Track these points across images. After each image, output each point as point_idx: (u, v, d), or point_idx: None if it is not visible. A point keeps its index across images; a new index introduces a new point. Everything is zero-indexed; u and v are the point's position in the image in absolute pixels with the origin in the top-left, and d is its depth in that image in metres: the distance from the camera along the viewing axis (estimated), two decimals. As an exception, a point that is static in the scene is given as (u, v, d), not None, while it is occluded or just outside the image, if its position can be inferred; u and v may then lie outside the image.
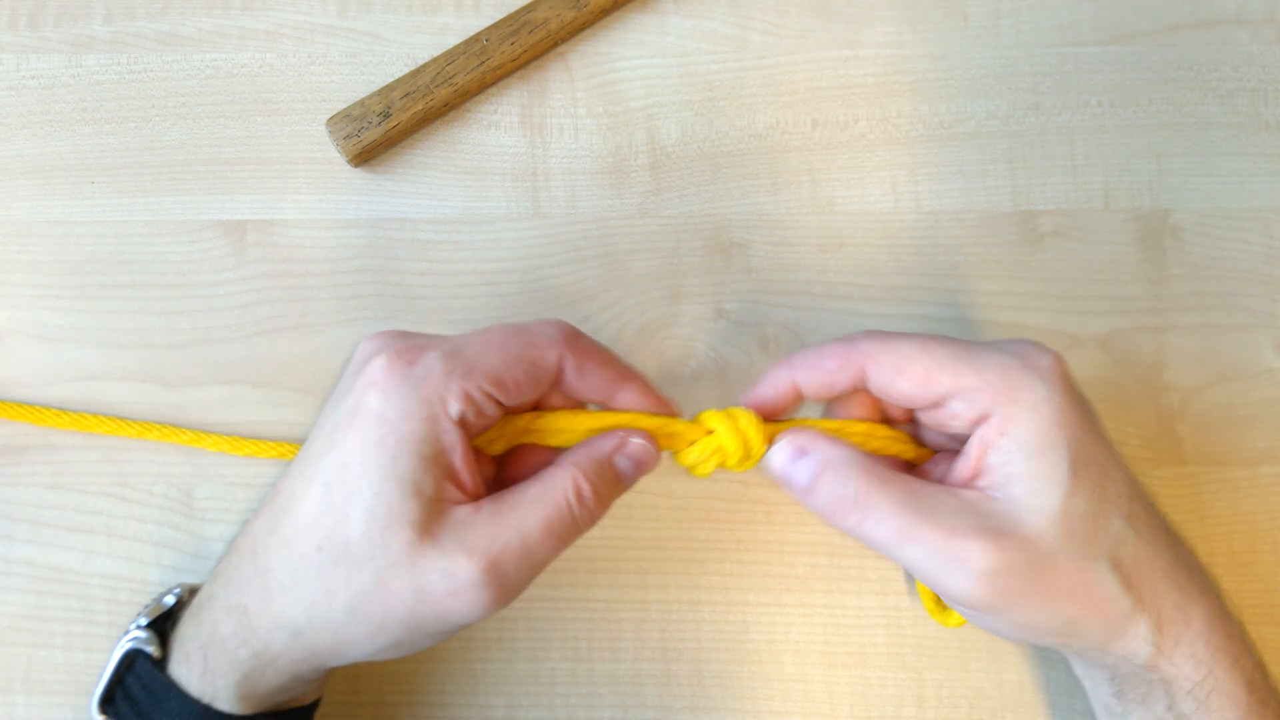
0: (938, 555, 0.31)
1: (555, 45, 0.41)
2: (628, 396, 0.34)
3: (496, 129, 0.43)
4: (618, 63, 0.43)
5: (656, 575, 0.41)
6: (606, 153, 0.43)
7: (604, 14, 0.42)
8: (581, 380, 0.33)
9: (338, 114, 0.40)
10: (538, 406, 0.35)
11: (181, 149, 0.43)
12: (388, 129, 0.40)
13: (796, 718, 0.41)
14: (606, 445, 0.33)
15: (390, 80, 0.42)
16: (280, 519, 0.32)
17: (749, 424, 0.34)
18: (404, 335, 0.33)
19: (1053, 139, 0.43)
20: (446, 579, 0.30)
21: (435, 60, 0.40)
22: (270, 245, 0.42)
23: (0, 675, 0.40)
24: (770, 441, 0.34)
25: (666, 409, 0.35)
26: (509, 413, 0.33)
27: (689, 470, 0.35)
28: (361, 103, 0.40)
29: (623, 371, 0.34)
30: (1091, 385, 0.41)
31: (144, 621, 0.35)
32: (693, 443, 0.34)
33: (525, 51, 0.41)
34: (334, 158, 0.43)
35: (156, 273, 0.42)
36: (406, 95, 0.40)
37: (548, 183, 0.43)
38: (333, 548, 0.31)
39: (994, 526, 0.31)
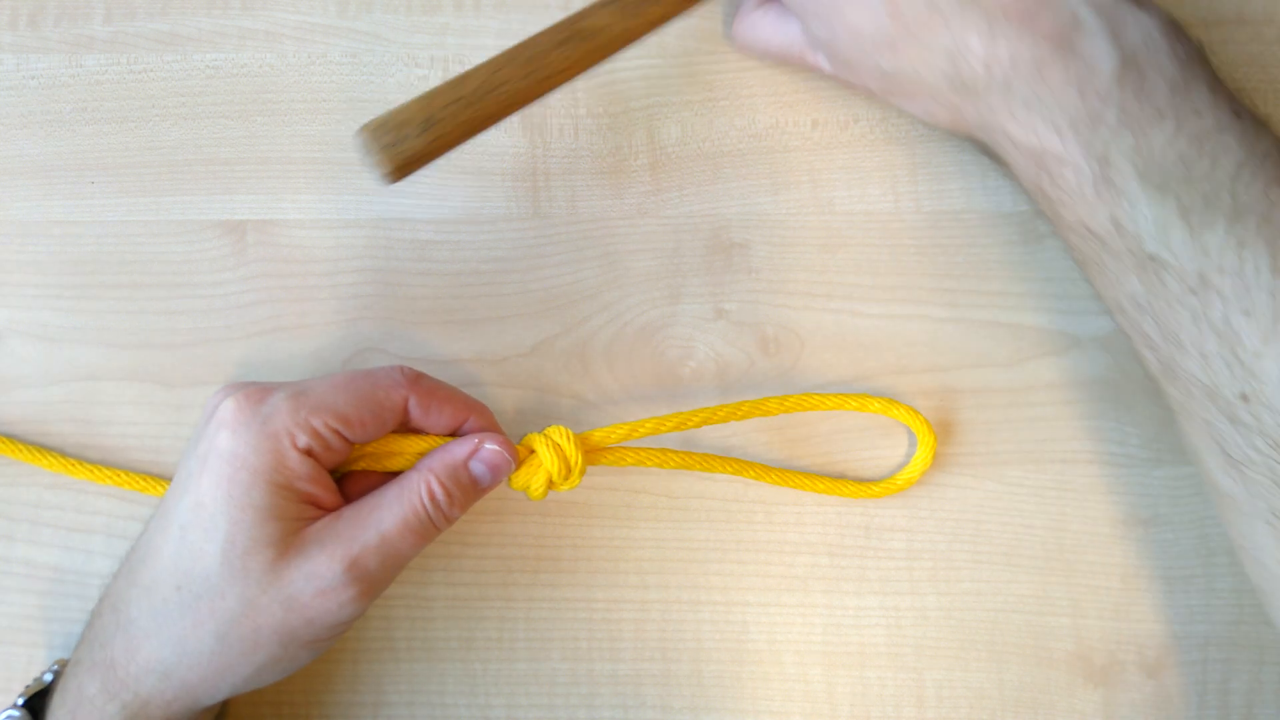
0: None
1: (607, 56, 0.38)
2: (471, 427, 0.37)
3: (496, 129, 0.43)
4: (618, 63, 0.43)
5: (656, 575, 0.41)
6: (606, 153, 0.43)
7: (660, 23, 0.38)
8: (427, 418, 0.36)
9: (374, 122, 0.34)
10: None
11: (181, 149, 0.43)
12: (430, 140, 0.35)
13: (796, 718, 0.41)
14: (461, 451, 0.36)
15: (391, 78, 0.42)
16: (138, 569, 0.34)
17: (565, 441, 0.37)
18: (253, 383, 0.35)
19: (1053, 139, 0.43)
20: (312, 581, 0.33)
21: (480, 68, 0.36)
22: (270, 245, 0.42)
23: (0, 675, 0.40)
24: (593, 455, 0.38)
25: (497, 429, 0.37)
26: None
27: (526, 494, 0.37)
28: (400, 110, 0.35)
29: (466, 404, 0.37)
30: (1091, 385, 0.42)
31: (20, 701, 0.36)
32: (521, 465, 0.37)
33: (576, 62, 0.37)
34: (334, 158, 0.43)
35: (156, 273, 0.42)
36: (451, 104, 0.35)
37: (548, 183, 0.43)
38: (193, 584, 0.32)
39: None
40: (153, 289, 0.42)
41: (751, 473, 0.40)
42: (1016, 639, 0.41)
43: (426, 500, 0.34)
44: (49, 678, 0.36)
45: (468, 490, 0.35)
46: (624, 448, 0.39)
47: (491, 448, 0.36)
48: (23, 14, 0.43)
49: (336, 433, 0.34)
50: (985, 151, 0.38)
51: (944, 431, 0.42)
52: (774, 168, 0.43)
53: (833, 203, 0.43)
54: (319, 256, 0.42)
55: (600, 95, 0.43)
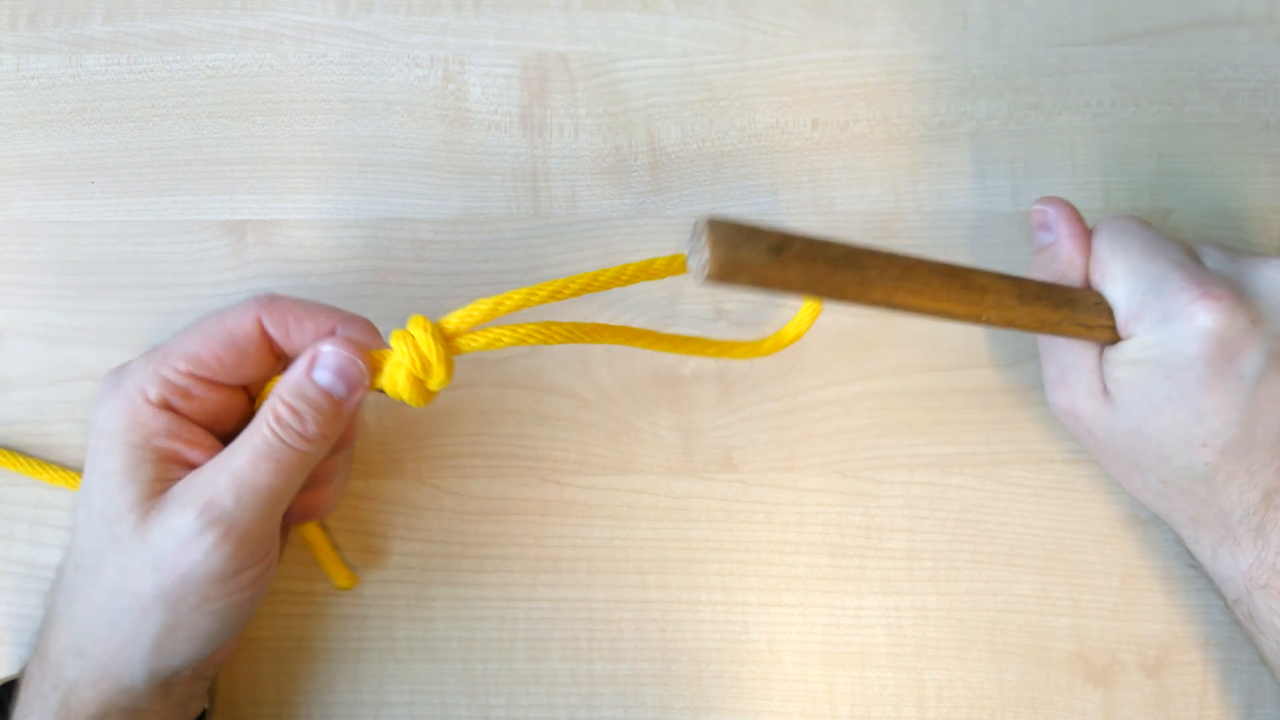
0: None
1: (975, 318, 0.34)
2: (343, 334, 0.34)
3: (496, 129, 0.43)
4: (618, 63, 0.43)
5: (656, 575, 0.41)
6: (606, 153, 0.43)
7: (1036, 328, 0.36)
8: (290, 339, 0.34)
9: (723, 219, 0.30)
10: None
11: (181, 149, 0.43)
12: (769, 263, 0.30)
13: (796, 718, 0.41)
14: (301, 363, 0.33)
15: (391, 78, 0.42)
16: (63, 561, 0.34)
17: (420, 331, 0.34)
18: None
19: (1053, 139, 0.43)
20: (172, 536, 0.31)
21: (852, 244, 0.32)
22: (270, 245, 0.42)
23: (0, 675, 0.40)
24: (460, 341, 0.34)
25: (377, 339, 0.34)
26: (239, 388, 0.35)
27: (403, 399, 0.34)
28: (754, 223, 0.31)
29: (331, 315, 0.34)
30: (1091, 385, 0.42)
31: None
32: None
33: (945, 300, 0.34)
34: (334, 158, 0.43)
35: (156, 273, 0.42)
36: (808, 250, 0.31)
37: (548, 183, 0.43)
38: (84, 559, 0.33)
39: None
40: (153, 289, 0.42)
41: (642, 341, 0.38)
42: (1016, 639, 0.41)
43: (272, 423, 0.32)
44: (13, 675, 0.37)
45: (319, 404, 0.32)
46: (500, 327, 0.35)
47: (328, 349, 0.33)
48: (23, 14, 0.43)
49: (193, 376, 0.33)
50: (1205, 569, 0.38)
51: (944, 431, 0.42)
52: (774, 168, 0.43)
53: (833, 203, 0.43)
54: (319, 256, 0.42)
55: (600, 95, 0.43)
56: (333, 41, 0.43)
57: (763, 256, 0.30)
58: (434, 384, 0.34)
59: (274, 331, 0.34)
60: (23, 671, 0.36)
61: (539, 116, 0.43)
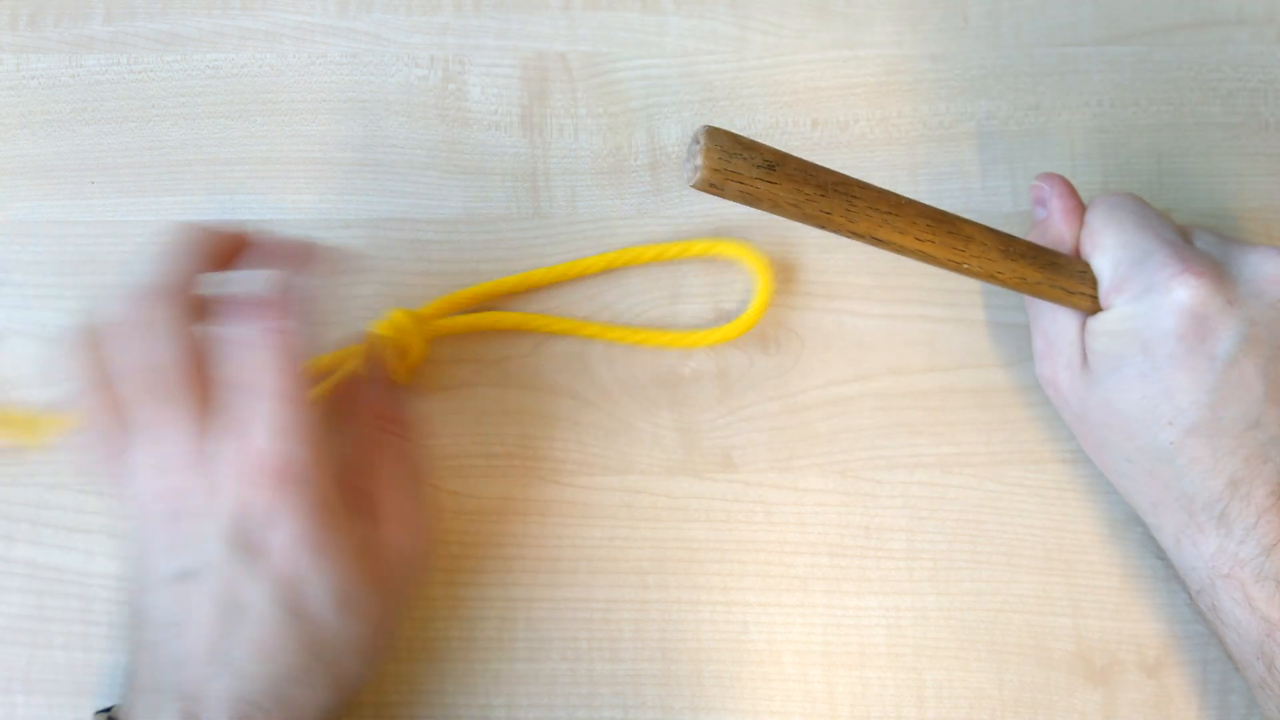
0: None
1: (954, 265, 0.35)
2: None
3: (496, 129, 0.43)
4: (618, 63, 0.43)
5: (656, 575, 0.41)
6: (606, 153, 0.43)
7: (1022, 285, 0.36)
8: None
9: (722, 130, 0.31)
10: None
11: (181, 149, 0.43)
12: (761, 177, 0.32)
13: (796, 718, 0.41)
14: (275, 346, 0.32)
15: (391, 78, 0.42)
16: None
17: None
18: None
19: (1053, 139, 0.43)
20: (358, 539, 0.34)
21: (845, 175, 0.33)
22: (270, 245, 0.42)
23: (0, 675, 0.40)
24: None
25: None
26: None
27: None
28: (751, 140, 0.32)
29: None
30: (1091, 385, 0.42)
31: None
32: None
33: (927, 241, 0.34)
34: (334, 158, 0.43)
35: (156, 273, 0.42)
36: (800, 171, 0.32)
37: (548, 183, 0.43)
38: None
39: None
40: (153, 289, 0.42)
41: (588, 331, 0.41)
42: (1016, 639, 0.41)
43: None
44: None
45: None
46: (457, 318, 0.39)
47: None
48: (23, 14, 0.43)
49: None
50: (1171, 566, 0.38)
51: (944, 431, 0.42)
52: (774, 168, 0.43)
53: (833, 203, 0.43)
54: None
55: (600, 95, 0.43)
56: (333, 41, 0.43)
57: (755, 170, 0.32)
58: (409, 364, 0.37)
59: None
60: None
61: (539, 116, 0.43)
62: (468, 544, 0.41)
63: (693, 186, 0.31)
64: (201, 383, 0.32)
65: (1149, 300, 0.35)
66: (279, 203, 0.42)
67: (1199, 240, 0.37)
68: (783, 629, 0.41)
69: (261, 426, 0.31)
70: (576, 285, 0.42)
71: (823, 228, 0.33)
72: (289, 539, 0.32)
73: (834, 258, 0.42)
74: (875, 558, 0.41)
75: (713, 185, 0.31)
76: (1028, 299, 0.40)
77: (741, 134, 0.31)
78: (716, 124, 0.43)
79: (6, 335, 0.42)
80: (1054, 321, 0.39)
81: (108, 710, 0.36)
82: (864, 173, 0.42)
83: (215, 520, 0.32)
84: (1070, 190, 0.39)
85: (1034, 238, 0.39)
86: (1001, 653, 0.41)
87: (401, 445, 0.37)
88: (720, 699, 0.41)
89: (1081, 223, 0.39)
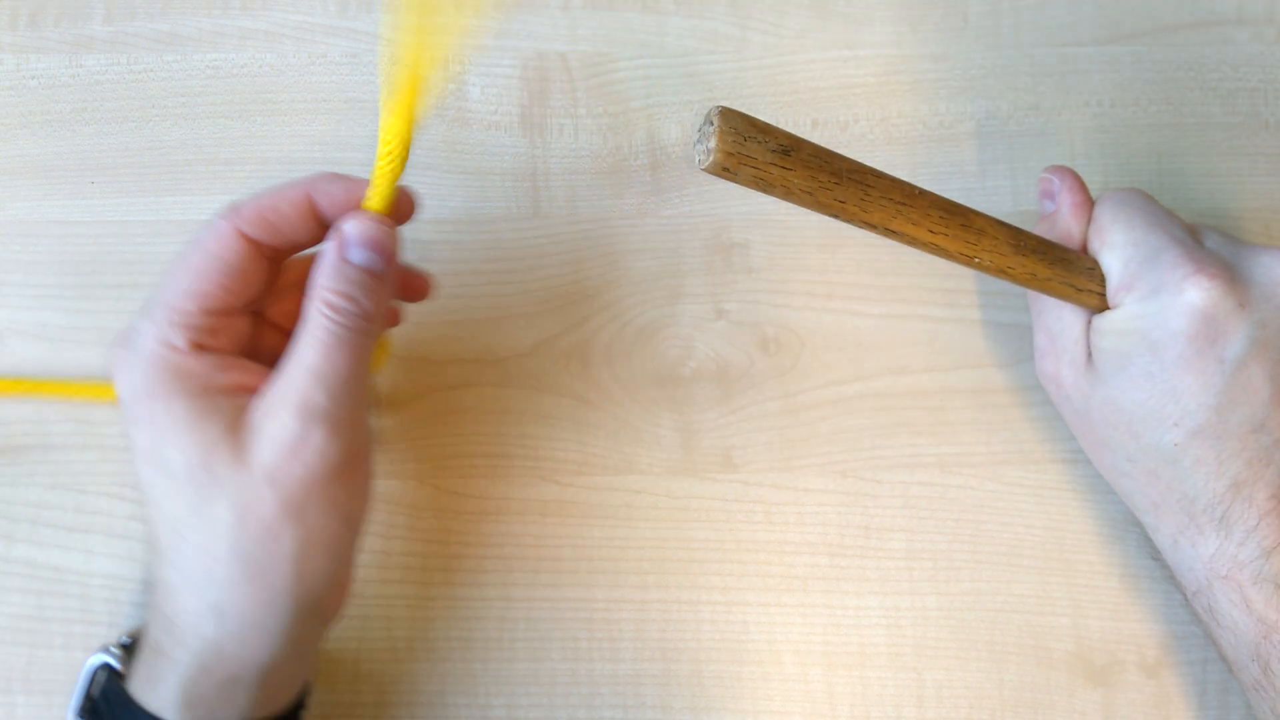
0: None
1: (965, 259, 0.35)
2: (330, 196, 0.33)
3: (496, 129, 0.43)
4: (618, 63, 0.43)
5: (656, 575, 0.41)
6: (606, 153, 0.43)
7: (1031, 281, 0.36)
8: (281, 234, 0.32)
9: (736, 111, 0.30)
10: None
11: (181, 149, 0.43)
12: (775, 162, 0.30)
13: (796, 718, 0.41)
14: (330, 252, 0.32)
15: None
16: (152, 538, 0.33)
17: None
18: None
19: (1053, 139, 0.43)
20: (277, 448, 0.30)
21: (861, 164, 0.32)
22: (270, 245, 0.42)
23: (0, 675, 0.40)
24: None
25: (353, 180, 0.33)
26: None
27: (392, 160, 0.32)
28: (766, 123, 0.31)
29: (298, 187, 0.33)
30: (1091, 385, 0.42)
31: (124, 640, 0.36)
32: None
33: (939, 233, 0.34)
34: (334, 158, 0.43)
35: (156, 273, 0.42)
36: (815, 157, 0.31)
37: (548, 183, 0.43)
38: (181, 521, 0.31)
39: None
40: (153, 289, 0.42)
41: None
42: (1016, 639, 0.41)
43: (330, 314, 0.31)
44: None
45: (365, 282, 0.31)
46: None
47: (350, 229, 0.31)
48: (23, 14, 0.43)
49: (208, 313, 0.32)
50: (1162, 564, 0.38)
51: (944, 431, 0.42)
52: (774, 168, 0.43)
53: (833, 203, 0.43)
54: (319, 256, 0.42)
55: (600, 95, 0.43)
56: (333, 41, 0.43)
57: (769, 154, 0.30)
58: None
59: (261, 237, 0.32)
60: (132, 648, 0.36)
61: (539, 116, 0.43)
62: (468, 544, 0.41)
63: (704, 170, 0.30)
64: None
65: (1159, 300, 0.35)
66: (279, 203, 0.42)
67: (1208, 240, 0.37)
68: (783, 629, 0.41)
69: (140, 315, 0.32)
70: (576, 285, 0.42)
71: (835, 216, 0.32)
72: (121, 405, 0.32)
73: (834, 257, 0.42)
74: (875, 558, 0.41)
75: (726, 169, 0.30)
76: (1031, 294, 0.40)
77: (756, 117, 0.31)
78: (716, 124, 0.43)
79: (6, 335, 0.42)
80: (1059, 318, 0.38)
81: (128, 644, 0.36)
82: (864, 173, 0.43)
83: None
84: (1080, 184, 0.39)
85: (1040, 232, 0.39)
86: (1001, 653, 0.41)
87: (315, 312, 0.31)
88: (720, 699, 0.41)
89: (1089, 218, 0.38)
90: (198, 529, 0.31)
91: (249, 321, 0.34)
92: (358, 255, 0.32)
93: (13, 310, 0.42)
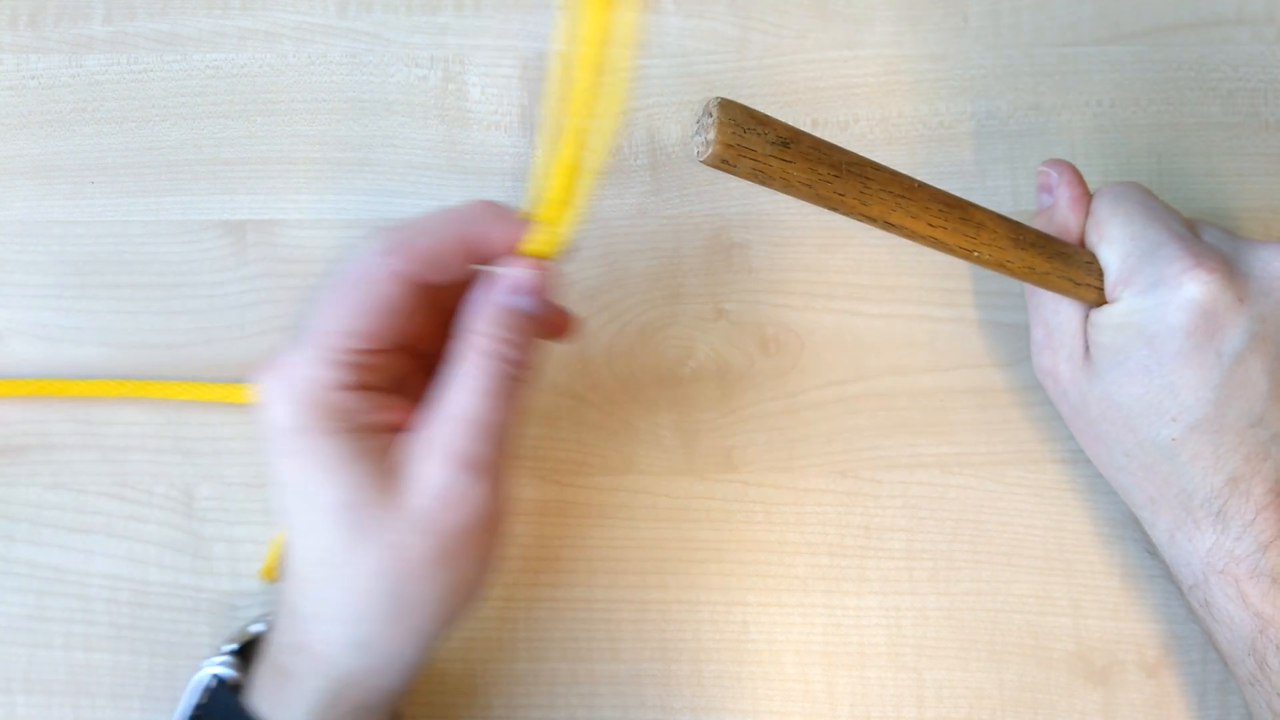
0: None
1: (965, 254, 0.34)
2: (488, 243, 0.32)
3: (496, 129, 0.43)
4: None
5: (656, 575, 0.41)
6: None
7: (1030, 275, 0.36)
8: (439, 272, 0.32)
9: (735, 102, 0.30)
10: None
11: (181, 149, 0.43)
12: (774, 154, 0.30)
13: (796, 718, 0.41)
14: (495, 296, 0.32)
15: (391, 78, 0.42)
16: (294, 570, 0.32)
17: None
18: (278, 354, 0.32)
19: (1053, 139, 0.43)
20: (431, 495, 0.30)
21: (860, 157, 0.32)
22: (270, 245, 0.42)
23: (0, 675, 0.40)
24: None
25: (508, 215, 0.32)
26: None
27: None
28: (766, 115, 0.30)
29: (449, 223, 0.32)
30: (1091, 385, 0.42)
31: (233, 648, 0.35)
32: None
33: (939, 227, 0.33)
34: (334, 158, 0.43)
35: (156, 273, 0.42)
36: (815, 150, 0.31)
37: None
38: (329, 555, 0.31)
39: None
40: (153, 289, 0.42)
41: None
42: (1016, 639, 0.41)
43: (489, 362, 0.31)
44: (257, 628, 0.36)
45: (524, 329, 0.31)
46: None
47: (511, 274, 0.31)
48: (23, 14, 0.43)
49: (362, 351, 0.31)
50: (1166, 565, 0.38)
51: (944, 431, 0.42)
52: (774, 168, 0.43)
53: (833, 203, 0.43)
54: (319, 256, 0.42)
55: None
56: (333, 41, 0.43)
57: (769, 146, 0.30)
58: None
59: (422, 276, 0.31)
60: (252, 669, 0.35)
61: (539, 116, 0.43)
62: (468, 544, 0.41)
63: (703, 161, 0.30)
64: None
65: (1158, 295, 0.35)
66: (279, 203, 0.42)
67: (1206, 234, 0.37)
68: (783, 629, 0.41)
69: (294, 343, 0.31)
70: (576, 284, 0.42)
71: (835, 210, 0.32)
72: (269, 431, 0.31)
73: (834, 258, 0.42)
74: (875, 558, 0.41)
75: (725, 161, 0.30)
76: (1027, 289, 0.40)
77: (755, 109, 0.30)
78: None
79: (6, 335, 0.42)
80: (1056, 312, 0.38)
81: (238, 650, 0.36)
82: (864, 173, 0.43)
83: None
84: (1078, 178, 0.39)
85: (1038, 226, 0.38)
86: (1001, 653, 0.41)
87: (474, 353, 0.31)
88: (720, 699, 0.41)
89: (1088, 212, 0.38)
90: (346, 566, 0.31)
91: (397, 357, 0.33)
92: (520, 303, 0.31)
93: (13, 310, 0.42)
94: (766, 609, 0.41)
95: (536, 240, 0.32)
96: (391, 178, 0.43)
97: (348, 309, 0.31)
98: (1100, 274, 0.37)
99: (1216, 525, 0.35)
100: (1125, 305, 0.36)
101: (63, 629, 0.40)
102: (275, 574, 0.40)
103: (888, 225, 0.33)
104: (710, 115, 0.29)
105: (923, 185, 0.33)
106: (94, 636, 0.40)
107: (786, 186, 0.31)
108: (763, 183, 0.31)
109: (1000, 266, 0.35)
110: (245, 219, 0.42)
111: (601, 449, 0.42)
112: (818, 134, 0.41)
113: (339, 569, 0.31)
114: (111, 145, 0.43)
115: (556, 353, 0.42)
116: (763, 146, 0.30)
